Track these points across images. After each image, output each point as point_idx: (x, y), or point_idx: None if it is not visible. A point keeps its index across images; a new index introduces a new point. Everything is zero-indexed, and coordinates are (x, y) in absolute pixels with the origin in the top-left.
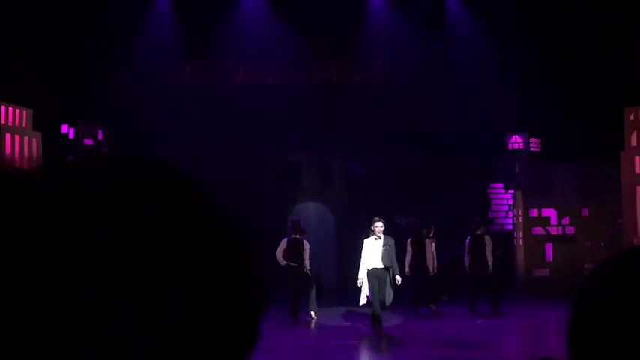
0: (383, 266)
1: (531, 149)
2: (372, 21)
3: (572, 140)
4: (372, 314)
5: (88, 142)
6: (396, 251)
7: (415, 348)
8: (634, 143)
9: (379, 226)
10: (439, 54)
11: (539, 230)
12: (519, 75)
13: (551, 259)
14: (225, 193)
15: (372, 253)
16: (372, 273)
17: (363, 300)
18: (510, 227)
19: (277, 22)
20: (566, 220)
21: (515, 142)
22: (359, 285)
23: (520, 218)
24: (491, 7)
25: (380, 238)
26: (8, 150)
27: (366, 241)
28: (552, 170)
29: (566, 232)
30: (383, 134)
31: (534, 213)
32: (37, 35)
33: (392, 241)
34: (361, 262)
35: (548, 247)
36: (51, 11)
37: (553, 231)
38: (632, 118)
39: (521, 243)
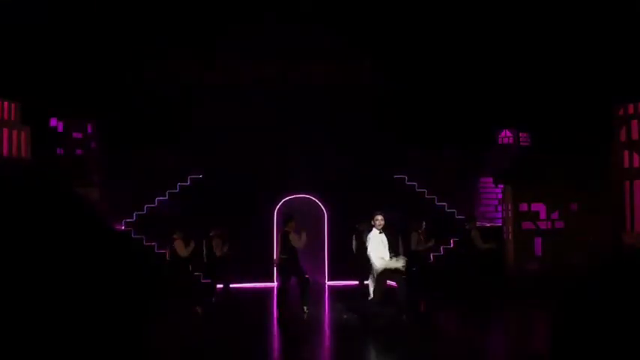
0: (390, 258)
1: (521, 143)
2: None
3: (562, 134)
4: (402, 304)
5: (77, 135)
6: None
7: (405, 342)
8: (623, 138)
9: (379, 219)
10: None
11: (528, 224)
12: (509, 69)
13: (540, 253)
14: (214, 189)
15: (379, 247)
16: (386, 269)
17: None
18: (500, 222)
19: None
20: (555, 215)
21: (505, 136)
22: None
23: (509, 212)
24: (485, 5)
25: (382, 232)
26: None
27: (371, 235)
28: (542, 164)
29: (556, 226)
30: (374, 129)
31: (524, 207)
32: (26, 28)
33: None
34: (372, 255)
35: (538, 241)
36: (40, 4)
37: (542, 225)
38: (621, 113)
39: (510, 237)
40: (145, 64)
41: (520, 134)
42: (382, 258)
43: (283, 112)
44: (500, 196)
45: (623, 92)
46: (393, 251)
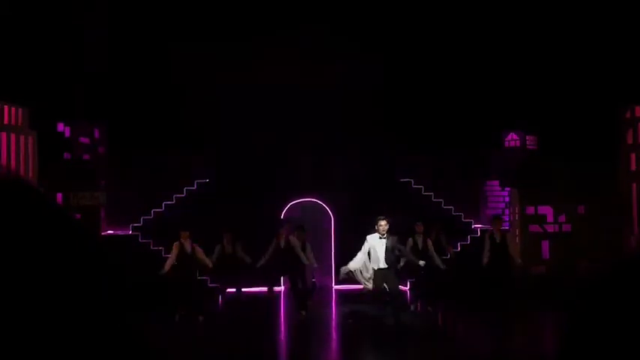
0: (386, 266)
1: (528, 146)
2: None
3: (569, 137)
4: (395, 309)
5: (84, 140)
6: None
7: (408, 343)
8: (630, 141)
9: (383, 224)
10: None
11: (535, 227)
12: (516, 72)
13: (547, 257)
14: (221, 193)
15: (376, 252)
16: (377, 273)
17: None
18: (507, 225)
19: None
20: (562, 218)
21: (512, 139)
22: (343, 272)
23: (516, 216)
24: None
25: (384, 237)
26: (4, 149)
27: (369, 237)
28: (549, 167)
29: (563, 229)
30: (381, 132)
31: (531, 210)
32: (33, 33)
33: (395, 239)
34: (358, 255)
35: (545, 245)
36: (48, 10)
37: (549, 228)
38: (627, 115)
39: (517, 240)
40: (153, 69)
41: (527, 137)
42: (359, 265)
43: (290, 115)
44: (507, 199)
45: (629, 94)
46: (389, 259)
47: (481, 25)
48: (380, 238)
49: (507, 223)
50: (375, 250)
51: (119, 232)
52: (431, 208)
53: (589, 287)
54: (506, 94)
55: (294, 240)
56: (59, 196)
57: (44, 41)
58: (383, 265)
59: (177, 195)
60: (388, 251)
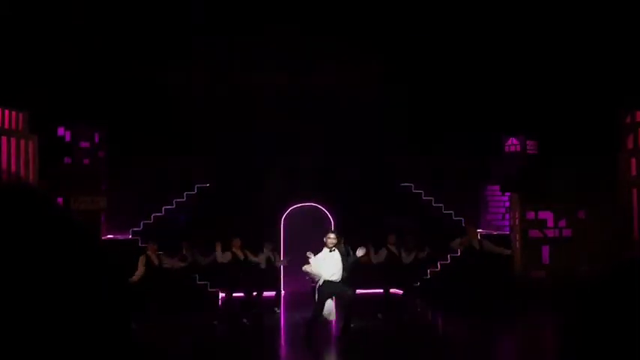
0: (338, 279)
1: (528, 151)
2: None
3: (569, 142)
4: (311, 321)
5: (85, 144)
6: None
7: (405, 348)
8: (630, 146)
9: (332, 237)
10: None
11: (536, 232)
12: (518, 77)
13: (547, 262)
14: (221, 197)
15: (327, 265)
16: (327, 286)
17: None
18: (507, 230)
19: None
20: (562, 223)
21: (512, 144)
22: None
23: (517, 220)
24: (493, 11)
25: (334, 250)
26: (4, 153)
27: (320, 255)
28: (549, 172)
29: (563, 234)
30: (381, 137)
31: (531, 215)
32: (33, 37)
33: (342, 246)
34: (311, 262)
35: (545, 250)
36: (46, 12)
37: (550, 233)
38: (628, 120)
39: (518, 245)
40: (153, 73)
41: (527, 142)
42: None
43: (291, 119)
44: (507, 204)
45: (630, 99)
46: (345, 268)
47: (482, 30)
48: (330, 251)
49: (507, 228)
50: (322, 264)
51: (119, 237)
52: (431, 212)
53: (588, 290)
54: (507, 99)
55: (248, 253)
56: (59, 201)
57: (44, 44)
58: (335, 277)
59: (178, 199)
60: (343, 258)
